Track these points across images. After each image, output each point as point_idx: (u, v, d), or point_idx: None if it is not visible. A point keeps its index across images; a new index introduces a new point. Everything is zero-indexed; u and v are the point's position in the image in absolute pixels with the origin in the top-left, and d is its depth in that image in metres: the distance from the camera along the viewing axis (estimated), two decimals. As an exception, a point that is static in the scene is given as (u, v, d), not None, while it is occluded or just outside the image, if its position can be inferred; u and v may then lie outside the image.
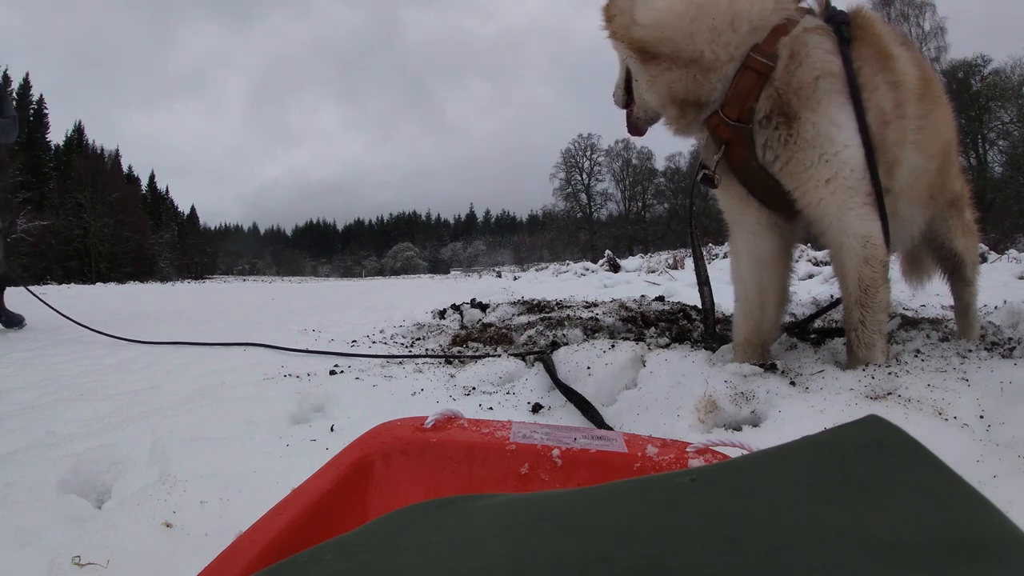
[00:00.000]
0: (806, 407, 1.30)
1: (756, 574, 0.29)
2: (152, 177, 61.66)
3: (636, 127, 1.87)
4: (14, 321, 4.26)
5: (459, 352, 2.59)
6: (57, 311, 4.28)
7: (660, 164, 53.68)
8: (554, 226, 55.40)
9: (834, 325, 2.43)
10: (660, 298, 4.51)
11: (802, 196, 1.58)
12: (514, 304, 4.52)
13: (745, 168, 1.66)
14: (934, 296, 3.79)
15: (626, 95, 1.85)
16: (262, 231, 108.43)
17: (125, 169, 53.33)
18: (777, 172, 1.60)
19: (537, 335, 2.75)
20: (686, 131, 1.73)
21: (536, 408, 1.66)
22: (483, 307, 4.39)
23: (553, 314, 3.72)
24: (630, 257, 18.51)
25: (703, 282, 2.18)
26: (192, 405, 1.82)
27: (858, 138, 1.51)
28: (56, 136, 55.57)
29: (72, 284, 20.84)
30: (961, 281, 2.21)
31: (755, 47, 1.52)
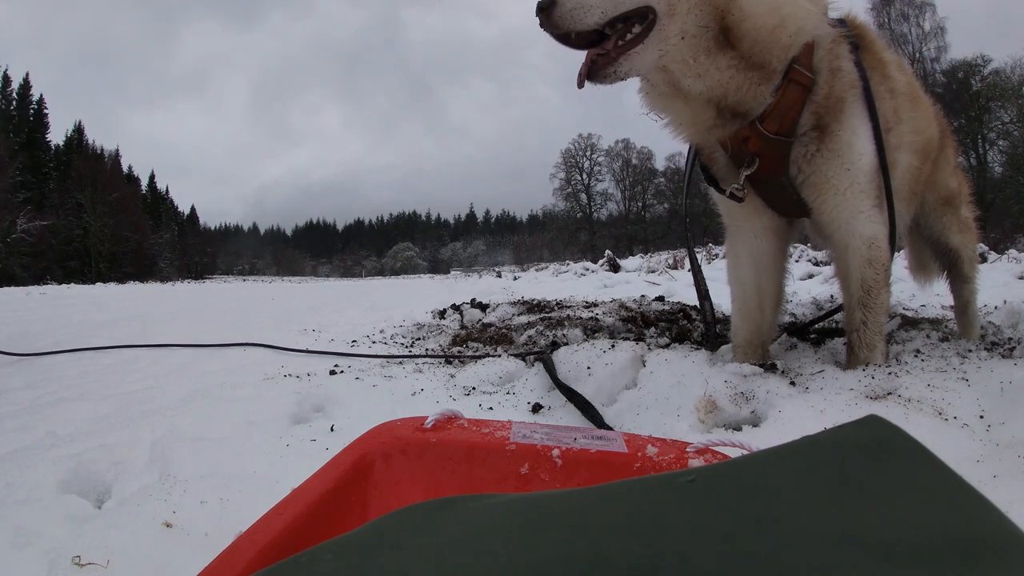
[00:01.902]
0: (806, 407, 1.30)
1: (756, 574, 0.29)
2: (152, 177, 61.70)
3: (602, 76, 1.42)
4: None
5: (459, 352, 2.59)
6: None
7: (660, 164, 53.73)
8: (554, 226, 55.44)
9: (834, 325, 2.43)
10: (660, 298, 4.52)
11: (820, 204, 1.58)
12: (514, 304, 4.52)
13: (772, 181, 1.61)
14: (934, 296, 3.79)
15: (612, 20, 1.38)
16: (262, 231, 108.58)
17: (125, 169, 53.33)
18: (800, 184, 1.58)
19: (537, 335, 2.75)
20: (706, 137, 1.59)
21: (536, 408, 1.66)
22: (483, 307, 4.39)
23: (553, 314, 3.72)
24: (630, 257, 18.52)
25: (703, 296, 2.17)
26: (192, 405, 1.82)
27: (872, 145, 1.53)
28: (56, 136, 55.66)
29: (72, 284, 20.84)
30: (959, 278, 2.22)
31: (794, 59, 1.47)
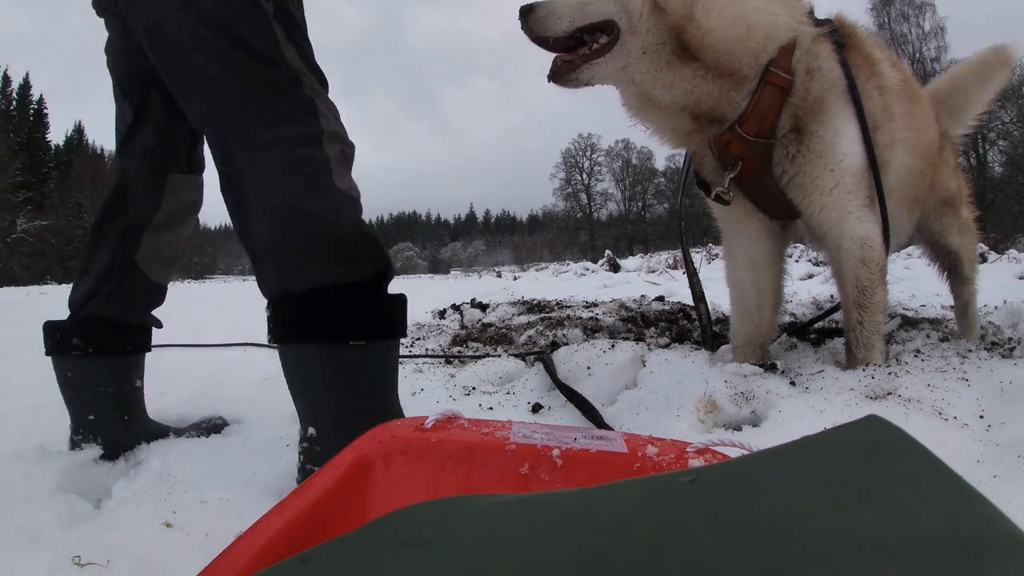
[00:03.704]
0: (806, 407, 1.30)
1: (756, 574, 0.29)
2: (151, 177, 61.51)
3: (564, 80, 1.51)
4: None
5: (459, 352, 2.59)
6: None
7: (660, 164, 53.68)
8: (554, 226, 55.51)
9: (833, 325, 2.43)
10: (660, 298, 4.51)
11: (807, 206, 1.59)
12: (514, 304, 4.52)
13: (756, 183, 1.63)
14: (934, 296, 3.79)
15: (579, 30, 1.48)
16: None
17: (125, 169, 53.25)
18: (785, 185, 1.59)
19: (537, 335, 2.75)
20: (687, 143, 1.66)
21: (536, 408, 1.66)
22: (483, 307, 4.39)
23: (553, 314, 3.72)
24: (630, 257, 18.52)
25: (699, 299, 2.17)
26: (192, 405, 1.82)
27: (859, 146, 1.53)
28: (56, 136, 55.59)
29: (72, 284, 20.79)
30: (959, 279, 2.22)
31: (771, 61, 1.50)
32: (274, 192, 1.10)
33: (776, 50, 1.49)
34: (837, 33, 1.58)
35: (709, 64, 1.47)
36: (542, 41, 1.52)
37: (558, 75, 1.52)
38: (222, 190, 1.18)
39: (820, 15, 1.67)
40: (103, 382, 1.40)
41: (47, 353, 1.41)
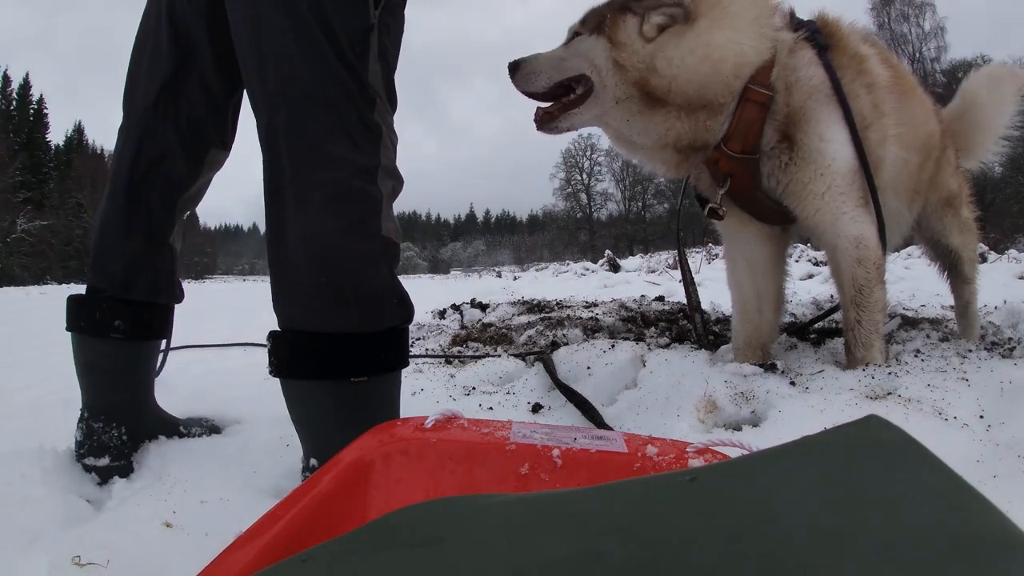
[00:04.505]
0: (806, 407, 1.30)
1: (756, 574, 0.29)
2: (152, 177, 61.49)
3: (547, 128, 1.61)
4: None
5: (459, 352, 2.59)
6: None
7: (660, 164, 53.49)
8: (554, 226, 55.59)
9: (834, 325, 2.43)
10: (660, 298, 4.51)
11: (802, 211, 1.60)
12: (514, 304, 4.52)
13: (748, 197, 1.66)
14: (934, 296, 3.79)
15: (559, 86, 1.58)
16: (262, 231, 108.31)
17: (125, 169, 53.27)
18: (779, 194, 1.61)
19: (537, 335, 2.75)
20: (678, 173, 1.69)
21: (536, 408, 1.66)
22: (483, 307, 4.39)
23: (553, 314, 3.72)
24: (630, 257, 18.51)
25: (695, 309, 2.18)
26: (192, 405, 1.82)
27: (848, 147, 1.54)
28: (56, 136, 55.50)
29: (72, 284, 20.81)
30: (959, 278, 2.22)
31: (750, 78, 1.52)
32: (318, 219, 1.01)
33: (752, 72, 1.51)
34: (820, 34, 1.58)
35: (680, 105, 1.51)
36: (530, 95, 1.63)
37: (541, 123, 1.62)
38: (264, 174, 1.07)
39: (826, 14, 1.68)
40: (132, 366, 1.31)
41: (74, 331, 1.27)
